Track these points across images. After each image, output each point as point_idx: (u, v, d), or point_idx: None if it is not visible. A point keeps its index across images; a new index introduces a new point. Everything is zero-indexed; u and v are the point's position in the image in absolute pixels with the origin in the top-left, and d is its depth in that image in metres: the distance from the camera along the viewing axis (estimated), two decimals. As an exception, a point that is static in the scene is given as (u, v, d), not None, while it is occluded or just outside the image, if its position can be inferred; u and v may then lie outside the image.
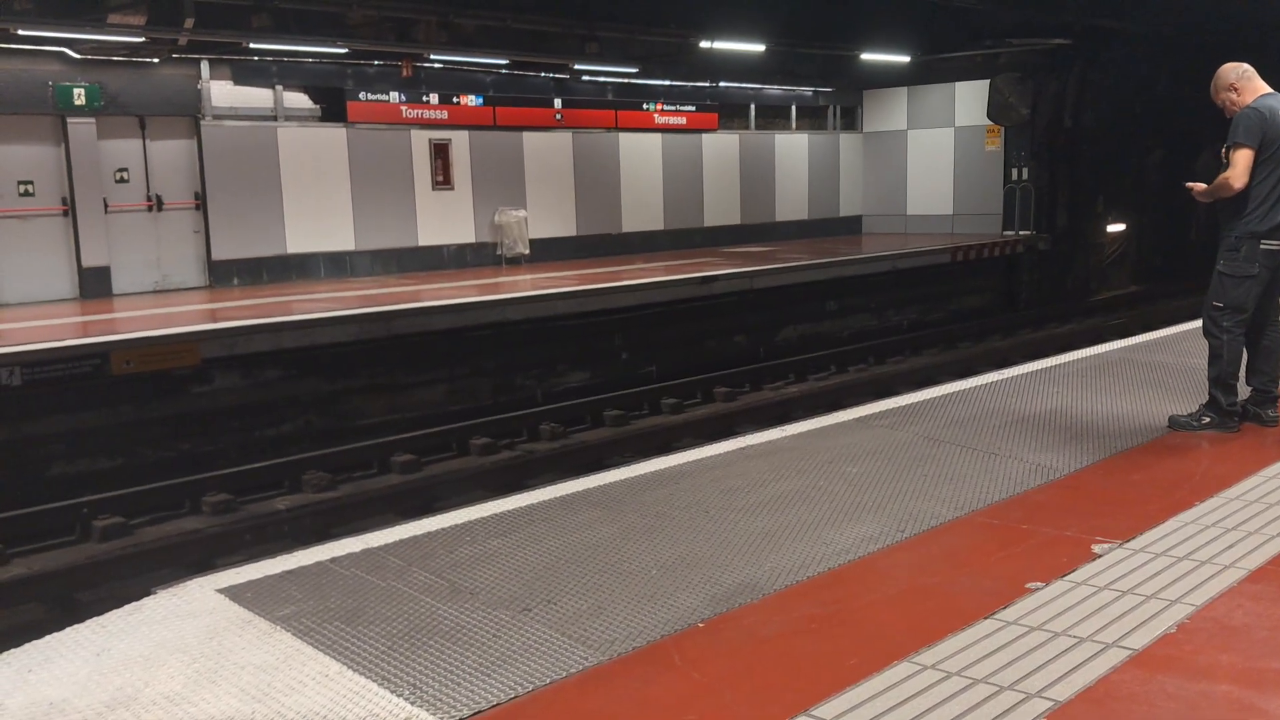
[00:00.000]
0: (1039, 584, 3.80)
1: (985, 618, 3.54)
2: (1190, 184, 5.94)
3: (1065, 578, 3.85)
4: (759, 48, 17.76)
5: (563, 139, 18.64)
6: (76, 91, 13.63)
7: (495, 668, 3.30)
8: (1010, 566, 4.00)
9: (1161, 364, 7.91)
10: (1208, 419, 5.88)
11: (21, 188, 13.52)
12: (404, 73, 16.17)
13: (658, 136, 19.99)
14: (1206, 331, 5.88)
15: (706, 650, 3.39)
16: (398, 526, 4.76)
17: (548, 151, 18.42)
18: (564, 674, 3.25)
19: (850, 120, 23.50)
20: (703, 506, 4.82)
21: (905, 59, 20.09)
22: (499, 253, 17.57)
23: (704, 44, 16.95)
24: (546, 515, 4.78)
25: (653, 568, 4.09)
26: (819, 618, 3.61)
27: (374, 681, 3.23)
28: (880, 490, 4.99)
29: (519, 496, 5.16)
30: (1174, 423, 5.97)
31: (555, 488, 5.24)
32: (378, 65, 16.16)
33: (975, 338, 16.79)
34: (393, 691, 3.16)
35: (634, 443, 10.66)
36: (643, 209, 19.86)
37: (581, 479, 5.45)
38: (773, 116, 22.16)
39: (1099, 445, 5.68)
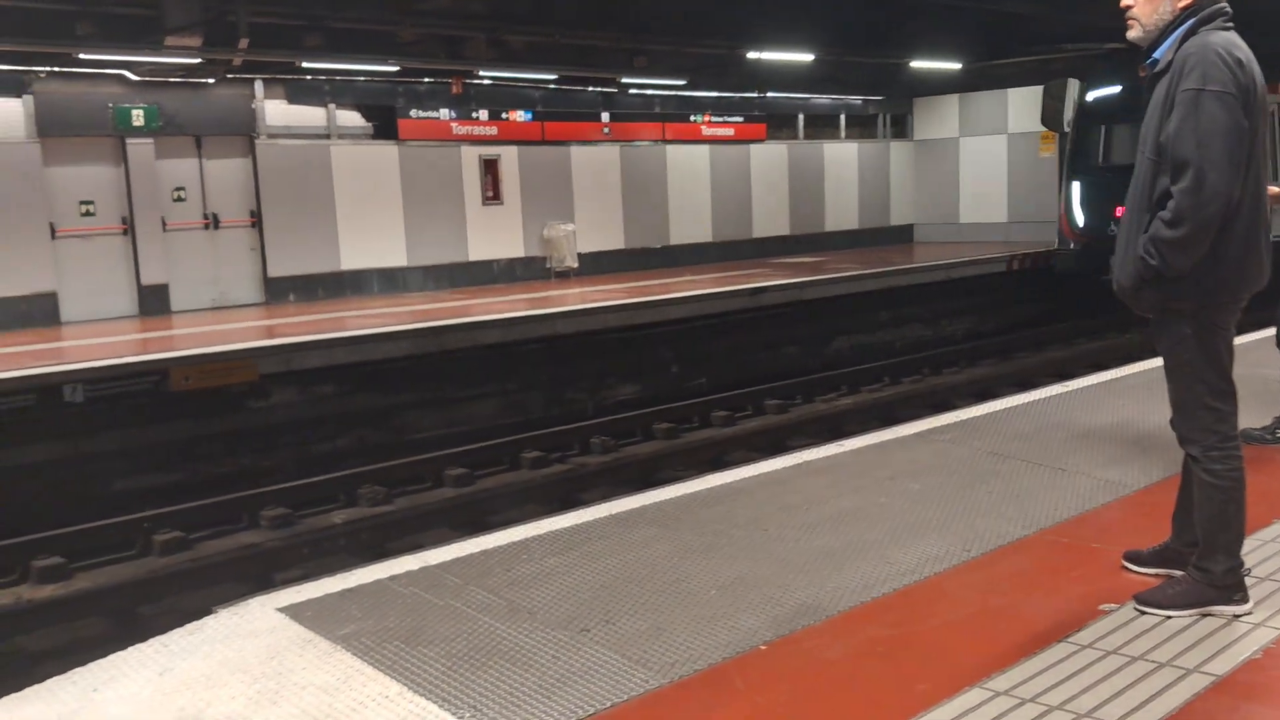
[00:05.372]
0: (1113, 606, 3.69)
1: (1059, 641, 3.44)
2: (1273, 188, 5.77)
3: (1140, 599, 3.74)
4: (807, 57, 17.67)
5: (610, 152, 18.66)
6: (135, 113, 13.86)
7: (555, 689, 3.26)
8: (1083, 587, 3.89)
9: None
10: (1283, 431, 5.72)
11: (83, 208, 13.76)
12: (454, 90, 16.28)
13: (705, 148, 19.95)
14: None
15: (769, 674, 3.32)
16: (454, 544, 4.74)
17: (596, 165, 18.45)
18: (625, 697, 3.21)
19: (901, 128, 23.32)
20: (761, 524, 4.76)
21: (956, 66, 19.90)
22: (548, 266, 17.60)
23: (752, 55, 16.89)
24: (602, 533, 4.74)
25: (712, 587, 4.03)
26: (885, 640, 3.53)
27: (435, 703, 3.20)
28: (944, 507, 4.89)
29: (574, 514, 5.12)
30: (1247, 437, 5.80)
31: (611, 504, 5.20)
32: (428, 83, 16.29)
33: (1033, 348, 16.54)
34: (454, 714, 3.14)
35: (685, 456, 10.58)
36: (691, 221, 19.82)
37: (637, 495, 5.41)
38: (822, 126, 22.04)
39: (1169, 460, 5.51)
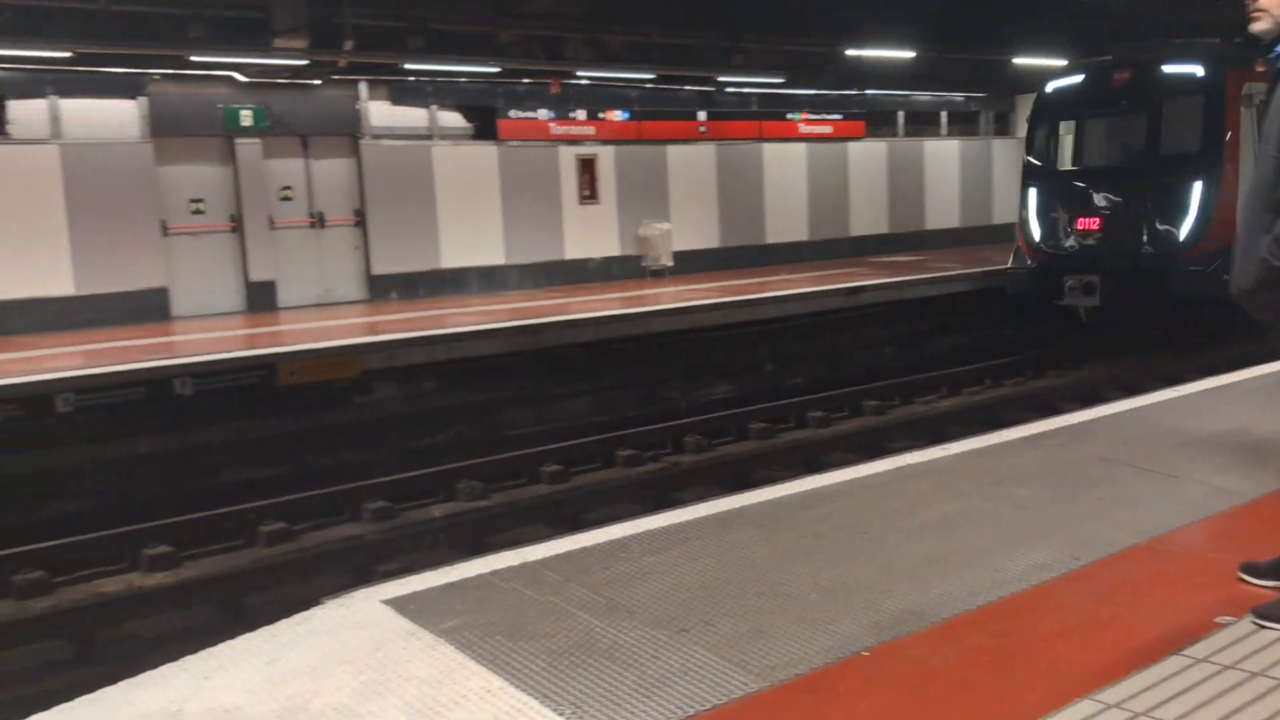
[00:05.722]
0: (1230, 619, 3.56)
1: (1172, 654, 3.33)
2: None
3: (1259, 612, 3.60)
4: (907, 54, 17.42)
5: (706, 151, 18.63)
6: (244, 113, 14.27)
7: (655, 689, 3.26)
8: (1197, 598, 3.76)
9: (1352, 381, 7.40)
10: None
11: (193, 206, 14.21)
12: (552, 90, 16.42)
13: (802, 146, 19.80)
14: None
15: (873, 681, 3.28)
16: (554, 540, 4.77)
17: (691, 164, 18.45)
18: (725, 699, 3.19)
19: (1004, 125, 22.87)
20: (862, 528, 4.70)
21: (1062, 63, 19.41)
22: (643, 265, 17.64)
23: (850, 52, 16.71)
24: (700, 533, 4.73)
25: (812, 591, 3.99)
26: (991, 649, 3.45)
27: (535, 699, 3.22)
28: (1051, 514, 4.77)
29: (672, 513, 5.12)
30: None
31: (709, 504, 5.18)
32: (527, 84, 16.45)
33: (1140, 352, 16.06)
34: (554, 710, 3.15)
35: (780, 456, 10.52)
36: (787, 219, 19.69)
37: (735, 496, 5.38)
38: (922, 123, 21.73)
39: (1287, 469, 5.33)
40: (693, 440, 11.04)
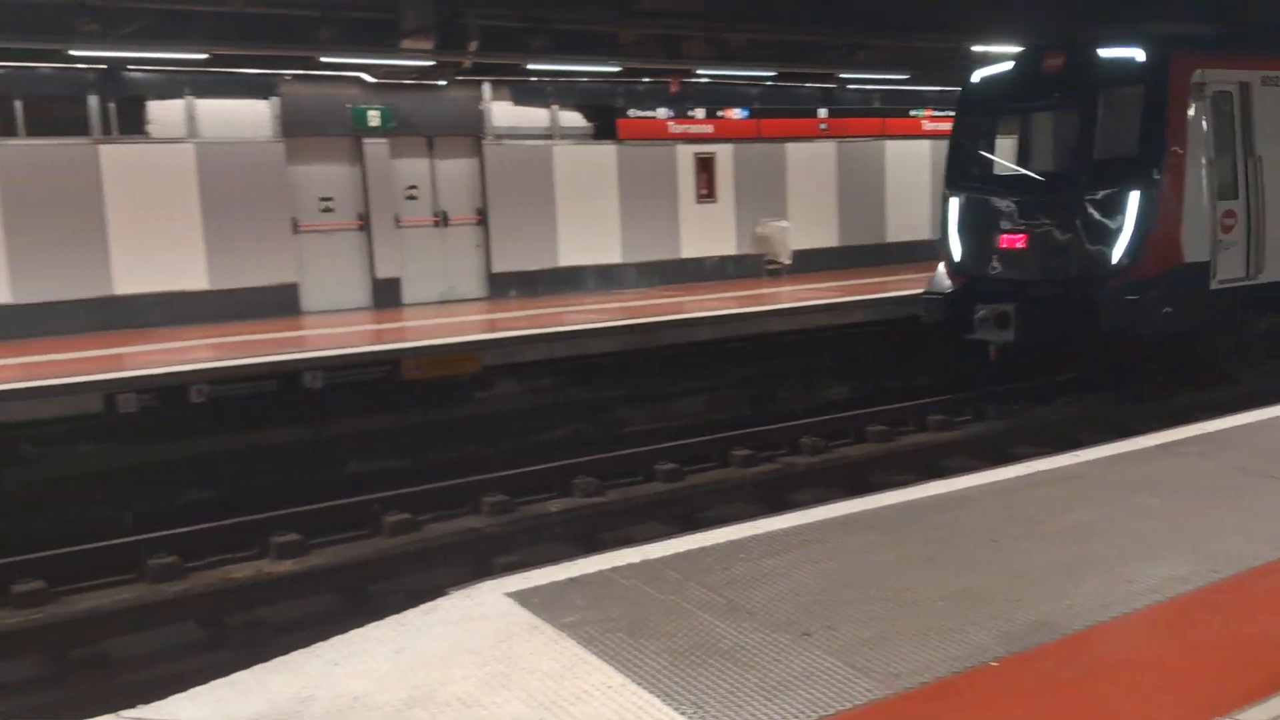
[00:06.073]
0: (1386, 641, 3.39)
1: (1323, 676, 3.18)
2: None
3: None
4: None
5: (826, 149, 18.44)
6: (371, 114, 14.63)
7: (777, 692, 3.24)
8: (1349, 619, 3.59)
9: None
10: None
11: (323, 204, 14.63)
12: (672, 89, 16.45)
13: (926, 143, 19.45)
14: None
15: (1001, 692, 3.20)
16: (674, 539, 4.78)
17: (811, 162, 18.28)
18: (849, 705, 3.16)
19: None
20: (990, 534, 4.59)
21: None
22: (766, 264, 17.55)
23: (976, 48, 16.35)
24: (821, 535, 4.68)
25: (938, 598, 3.92)
26: (1126, 663, 3.34)
27: (657, 697, 3.24)
28: (1188, 525, 4.60)
29: (792, 515, 5.08)
30: None
31: (829, 507, 5.13)
32: (646, 83, 16.51)
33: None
34: (676, 709, 3.16)
35: (899, 460, 10.34)
36: (909, 217, 19.36)
37: (857, 499, 5.32)
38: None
39: None
40: (809, 441, 10.92)
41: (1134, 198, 10.07)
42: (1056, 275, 10.61)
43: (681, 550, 4.57)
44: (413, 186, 15.15)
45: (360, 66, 14.24)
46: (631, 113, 16.55)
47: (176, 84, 13.67)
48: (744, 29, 15.43)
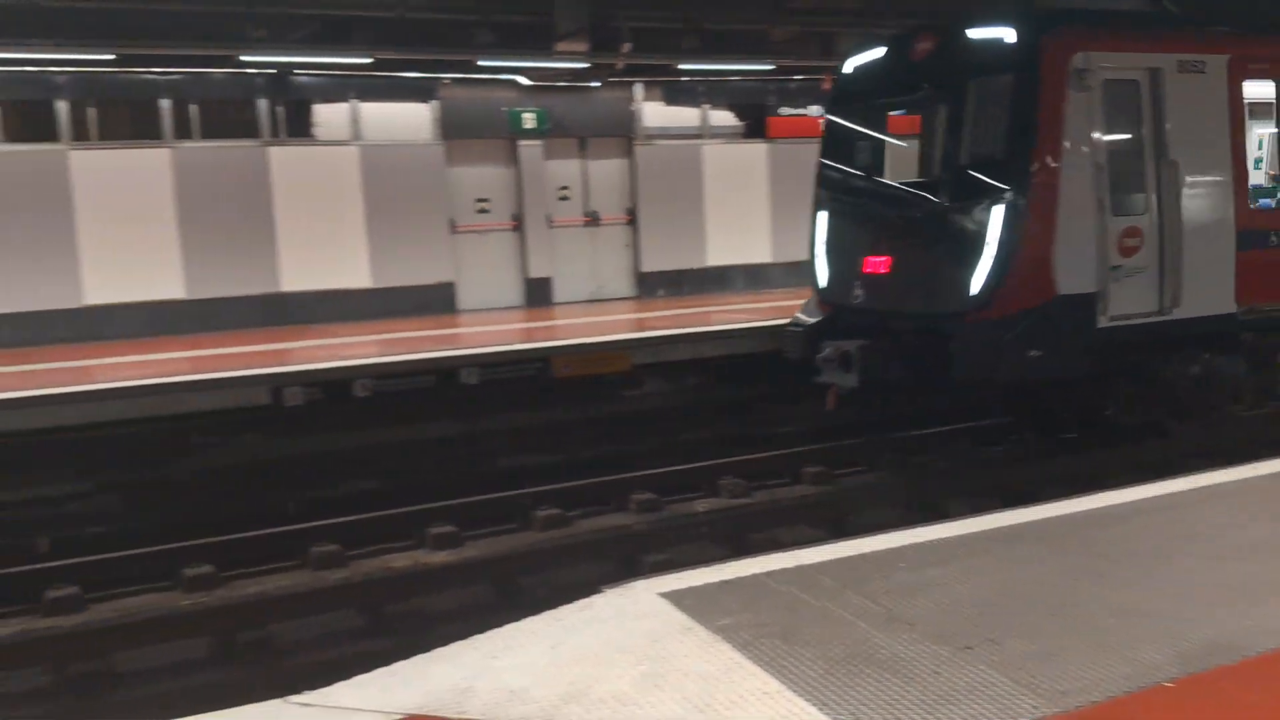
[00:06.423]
0: None
1: None
2: None
3: None
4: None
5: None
6: (526, 116, 14.91)
7: (938, 706, 3.17)
8: None
9: None
10: None
11: (479, 205, 14.98)
12: (825, 86, 16.25)
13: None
14: None
15: (1178, 713, 3.07)
16: (828, 545, 4.73)
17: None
18: (1013, 722, 3.06)
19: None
20: (1160, 551, 4.40)
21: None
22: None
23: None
24: (984, 547, 4.56)
25: (1106, 614, 3.77)
26: (1316, 692, 3.16)
27: (813, 705, 3.20)
28: (1382, 547, 4.32)
29: (953, 524, 4.97)
30: None
31: (991, 517, 5.00)
32: (798, 80, 16.37)
33: None
34: (833, 718, 3.12)
35: (1058, 471, 9.97)
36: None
37: (1020, 510, 5.16)
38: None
39: None
40: (961, 449, 10.65)
41: (996, 214, 8.13)
42: (913, 308, 8.82)
43: (837, 556, 4.51)
44: (565, 187, 15.38)
45: (516, 69, 14.52)
46: (783, 111, 16.44)
47: (341, 88, 14.18)
48: (899, 23, 15.14)
